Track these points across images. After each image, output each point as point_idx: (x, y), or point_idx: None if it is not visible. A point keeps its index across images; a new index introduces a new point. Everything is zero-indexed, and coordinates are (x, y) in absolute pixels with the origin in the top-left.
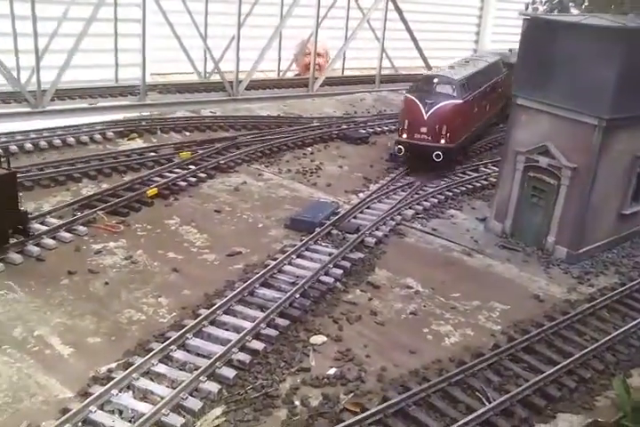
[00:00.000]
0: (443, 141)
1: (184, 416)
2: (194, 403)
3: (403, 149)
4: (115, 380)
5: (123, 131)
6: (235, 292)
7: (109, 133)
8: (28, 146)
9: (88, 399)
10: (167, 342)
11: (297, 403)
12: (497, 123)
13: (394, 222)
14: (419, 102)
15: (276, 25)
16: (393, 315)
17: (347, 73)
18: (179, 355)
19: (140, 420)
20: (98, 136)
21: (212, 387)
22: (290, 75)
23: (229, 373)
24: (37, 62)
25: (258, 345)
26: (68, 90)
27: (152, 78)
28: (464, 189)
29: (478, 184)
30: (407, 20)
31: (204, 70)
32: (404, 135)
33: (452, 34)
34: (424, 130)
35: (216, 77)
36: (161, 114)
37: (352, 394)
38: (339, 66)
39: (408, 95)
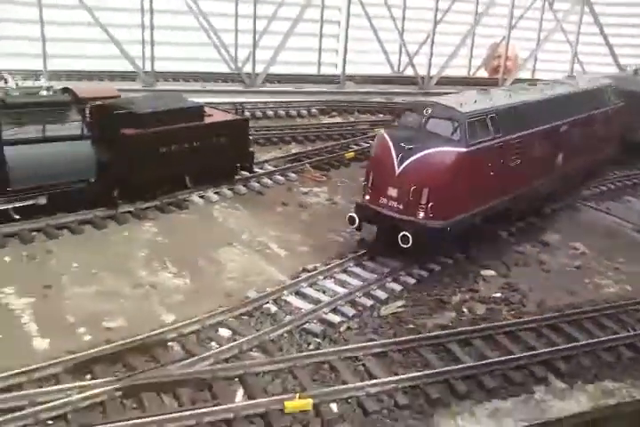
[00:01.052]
0: (421, 215)
1: (372, 300)
2: (381, 293)
3: (357, 219)
4: (319, 270)
5: (325, 109)
6: None
7: (313, 110)
8: (246, 114)
9: (300, 278)
10: (360, 253)
11: (465, 310)
12: (584, 183)
13: (570, 198)
14: (392, 146)
15: (470, 22)
16: (558, 266)
17: (537, 75)
18: (369, 264)
19: (338, 296)
20: (304, 111)
21: (396, 286)
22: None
23: (410, 280)
24: (254, 54)
25: (434, 266)
26: (277, 75)
27: None
28: None
29: None
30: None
31: (398, 65)
32: (367, 197)
33: None
34: (393, 193)
35: (408, 72)
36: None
37: (513, 312)
38: (530, 67)
39: (382, 131)
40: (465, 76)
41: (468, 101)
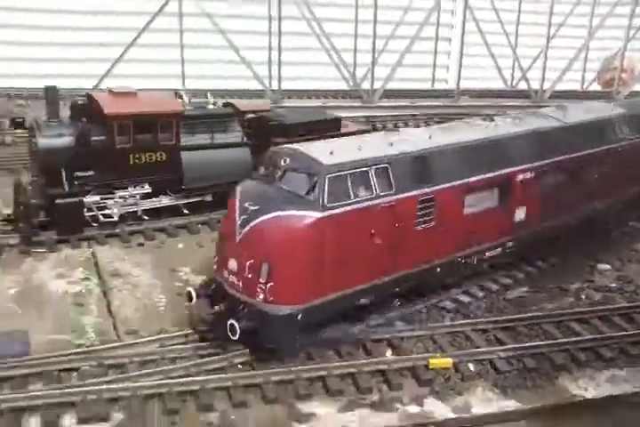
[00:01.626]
0: (260, 297)
1: (498, 285)
2: (505, 280)
3: (193, 294)
4: None
5: (440, 122)
6: None
7: (431, 124)
8: (367, 126)
9: None
10: None
11: (582, 297)
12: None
13: None
14: (237, 205)
15: (584, 35)
16: None
17: None
18: None
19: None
20: (422, 124)
21: (520, 274)
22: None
23: (533, 270)
24: (372, 71)
25: (553, 259)
26: (393, 90)
27: None
28: None
29: None
30: None
31: (511, 80)
32: (215, 267)
33: None
34: (233, 265)
35: (521, 85)
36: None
37: (626, 300)
38: None
39: (238, 185)
40: (578, 90)
41: (348, 149)
